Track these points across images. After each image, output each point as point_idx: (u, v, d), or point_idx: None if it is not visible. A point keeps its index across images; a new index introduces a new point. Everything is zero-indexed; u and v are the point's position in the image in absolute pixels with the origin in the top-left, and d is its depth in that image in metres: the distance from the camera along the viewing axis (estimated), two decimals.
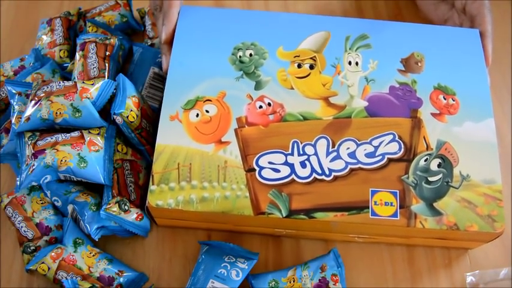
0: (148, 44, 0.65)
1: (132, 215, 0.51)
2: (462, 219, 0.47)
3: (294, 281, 0.48)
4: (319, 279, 0.48)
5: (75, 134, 0.51)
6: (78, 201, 0.52)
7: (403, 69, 0.53)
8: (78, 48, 0.60)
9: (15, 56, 0.64)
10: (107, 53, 0.60)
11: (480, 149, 0.49)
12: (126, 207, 0.51)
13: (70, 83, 0.52)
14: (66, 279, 0.48)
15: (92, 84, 0.52)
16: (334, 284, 0.48)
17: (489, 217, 0.47)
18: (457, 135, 0.50)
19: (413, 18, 0.69)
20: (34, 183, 0.50)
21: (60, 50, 0.63)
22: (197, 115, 0.50)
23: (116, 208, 0.50)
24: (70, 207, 0.52)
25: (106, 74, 0.58)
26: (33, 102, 0.52)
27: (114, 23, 0.66)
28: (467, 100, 0.52)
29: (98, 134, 0.52)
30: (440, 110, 0.51)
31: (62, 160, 0.49)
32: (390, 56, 0.54)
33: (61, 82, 0.53)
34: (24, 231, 0.51)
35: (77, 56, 0.60)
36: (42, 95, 0.52)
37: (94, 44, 0.60)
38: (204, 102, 0.51)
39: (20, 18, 0.70)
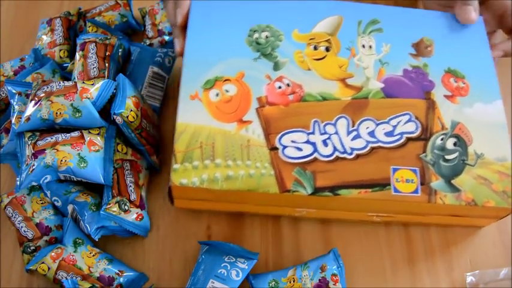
0: (147, 43, 0.65)
1: (132, 215, 0.51)
2: (479, 195, 0.48)
3: (294, 281, 0.48)
4: (319, 279, 0.48)
5: (75, 134, 0.51)
6: (78, 201, 0.52)
7: (415, 53, 0.55)
8: (78, 48, 0.60)
9: (15, 56, 0.64)
10: (107, 53, 0.60)
11: (491, 128, 0.51)
12: (126, 207, 0.51)
13: (70, 83, 0.52)
14: (66, 279, 0.48)
15: (92, 84, 0.52)
16: (334, 284, 0.48)
17: (504, 193, 0.48)
18: (468, 116, 0.51)
19: None
20: (34, 183, 0.50)
21: (60, 50, 0.63)
22: (217, 94, 0.50)
23: (116, 208, 0.50)
24: (70, 207, 0.52)
25: (106, 73, 0.58)
26: (33, 102, 0.52)
27: (114, 23, 0.66)
28: (476, 83, 0.53)
29: (98, 134, 0.52)
30: (452, 92, 0.53)
31: (62, 160, 0.49)
32: (401, 41, 0.55)
33: (61, 82, 0.53)
34: (24, 231, 0.51)
35: (77, 56, 0.60)
36: (42, 95, 0.52)
37: (94, 44, 0.60)
38: (223, 82, 0.51)
39: (20, 18, 0.70)
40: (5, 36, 0.68)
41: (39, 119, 0.51)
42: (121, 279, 0.50)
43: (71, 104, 0.51)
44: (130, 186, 0.52)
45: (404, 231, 0.55)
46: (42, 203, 0.53)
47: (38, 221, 0.52)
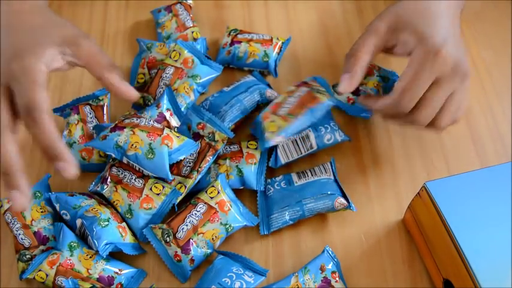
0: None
1: (171, 251, 0.51)
2: None
3: None
4: (322, 280, 0.49)
5: (158, 125, 0.53)
6: (87, 216, 0.50)
7: None
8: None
9: None
10: (310, 105, 0.53)
11: None
12: (168, 239, 0.50)
13: (159, 126, 0.53)
14: (67, 279, 0.48)
15: (178, 136, 0.53)
16: (335, 282, 0.49)
17: None
18: None
19: None
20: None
21: (193, 32, 0.64)
22: None
23: (159, 233, 0.50)
24: (78, 222, 0.51)
25: (294, 119, 0.52)
26: (116, 125, 0.53)
27: (254, 57, 0.62)
28: None
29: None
30: None
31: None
32: None
33: (151, 121, 0.53)
34: (22, 239, 0.51)
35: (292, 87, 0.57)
36: (128, 123, 0.53)
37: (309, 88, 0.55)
38: None
39: None
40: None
41: (113, 144, 0.51)
42: (121, 278, 0.49)
43: (149, 144, 0.51)
44: (185, 225, 0.50)
45: (404, 231, 0.55)
46: (42, 212, 0.52)
47: (36, 230, 0.51)
